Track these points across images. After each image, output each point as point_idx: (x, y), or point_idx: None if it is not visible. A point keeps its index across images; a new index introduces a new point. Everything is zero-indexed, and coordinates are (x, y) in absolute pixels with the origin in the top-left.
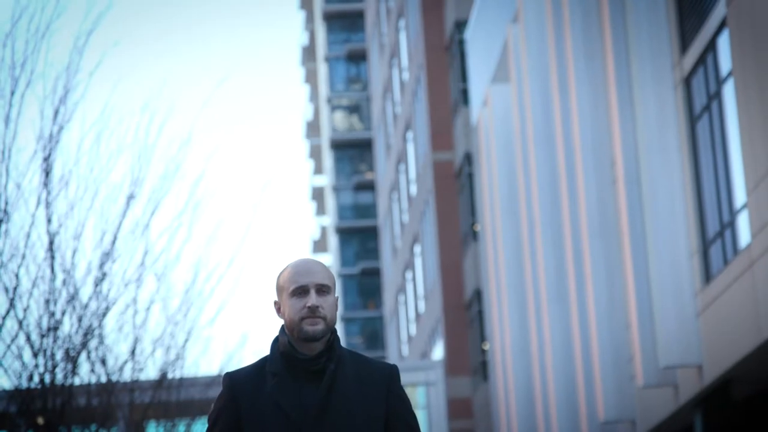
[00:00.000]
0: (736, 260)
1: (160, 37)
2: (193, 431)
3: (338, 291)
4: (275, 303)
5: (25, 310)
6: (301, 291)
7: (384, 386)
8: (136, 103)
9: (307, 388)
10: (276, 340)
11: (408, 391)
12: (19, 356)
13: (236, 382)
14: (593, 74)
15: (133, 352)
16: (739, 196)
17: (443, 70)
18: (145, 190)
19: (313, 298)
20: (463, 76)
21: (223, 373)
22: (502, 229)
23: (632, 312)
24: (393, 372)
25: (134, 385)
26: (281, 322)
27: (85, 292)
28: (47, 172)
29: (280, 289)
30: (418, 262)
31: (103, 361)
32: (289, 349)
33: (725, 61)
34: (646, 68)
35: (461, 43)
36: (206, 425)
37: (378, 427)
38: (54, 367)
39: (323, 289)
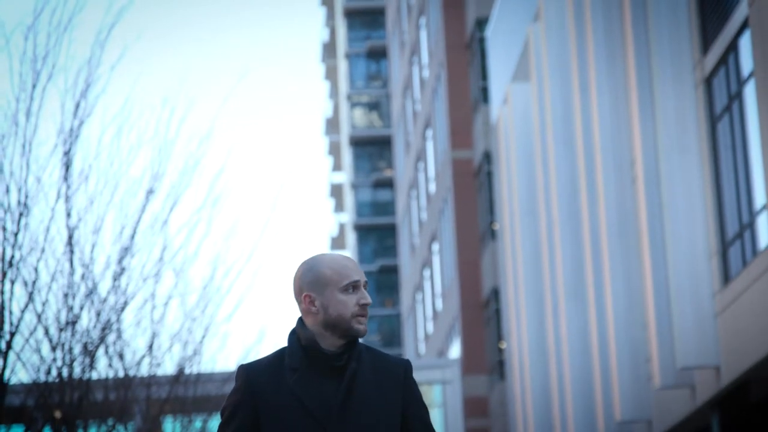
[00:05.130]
0: (755, 261)
1: (180, 33)
2: (209, 427)
3: None
4: (306, 296)
5: (43, 304)
6: (353, 287)
7: (401, 381)
8: (157, 98)
9: (329, 385)
10: (293, 333)
11: (424, 389)
12: (38, 350)
13: (254, 374)
14: (614, 73)
15: (150, 347)
16: (759, 197)
17: (463, 68)
18: (164, 184)
19: (367, 296)
20: (484, 74)
21: (238, 366)
22: (520, 228)
23: (650, 312)
24: (408, 367)
25: (151, 380)
26: (299, 315)
27: (104, 287)
28: (67, 166)
29: (323, 283)
30: (436, 260)
31: (121, 356)
32: (313, 344)
33: (746, 61)
34: (667, 68)
35: (482, 41)
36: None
37: (396, 421)
38: (72, 361)
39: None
